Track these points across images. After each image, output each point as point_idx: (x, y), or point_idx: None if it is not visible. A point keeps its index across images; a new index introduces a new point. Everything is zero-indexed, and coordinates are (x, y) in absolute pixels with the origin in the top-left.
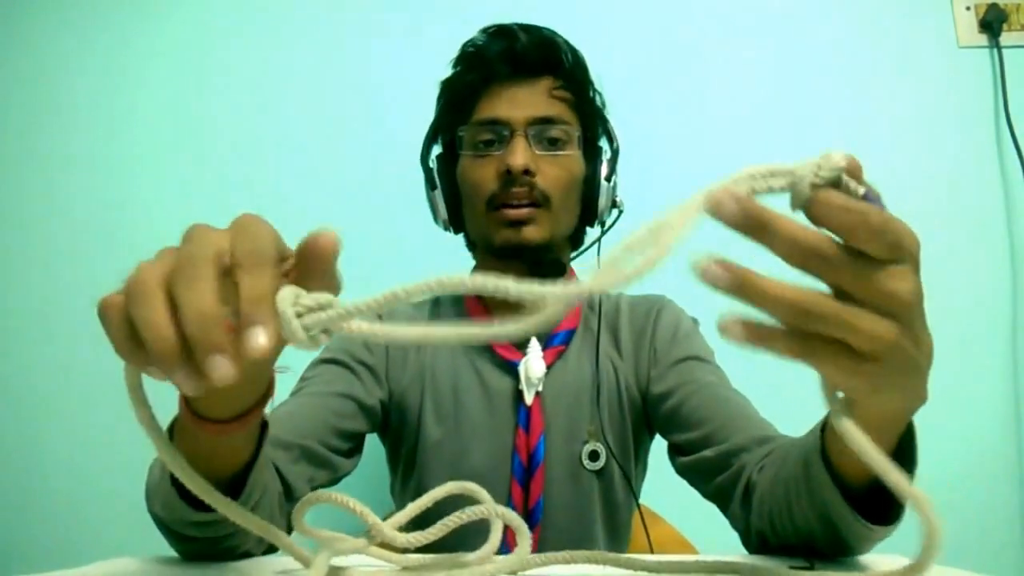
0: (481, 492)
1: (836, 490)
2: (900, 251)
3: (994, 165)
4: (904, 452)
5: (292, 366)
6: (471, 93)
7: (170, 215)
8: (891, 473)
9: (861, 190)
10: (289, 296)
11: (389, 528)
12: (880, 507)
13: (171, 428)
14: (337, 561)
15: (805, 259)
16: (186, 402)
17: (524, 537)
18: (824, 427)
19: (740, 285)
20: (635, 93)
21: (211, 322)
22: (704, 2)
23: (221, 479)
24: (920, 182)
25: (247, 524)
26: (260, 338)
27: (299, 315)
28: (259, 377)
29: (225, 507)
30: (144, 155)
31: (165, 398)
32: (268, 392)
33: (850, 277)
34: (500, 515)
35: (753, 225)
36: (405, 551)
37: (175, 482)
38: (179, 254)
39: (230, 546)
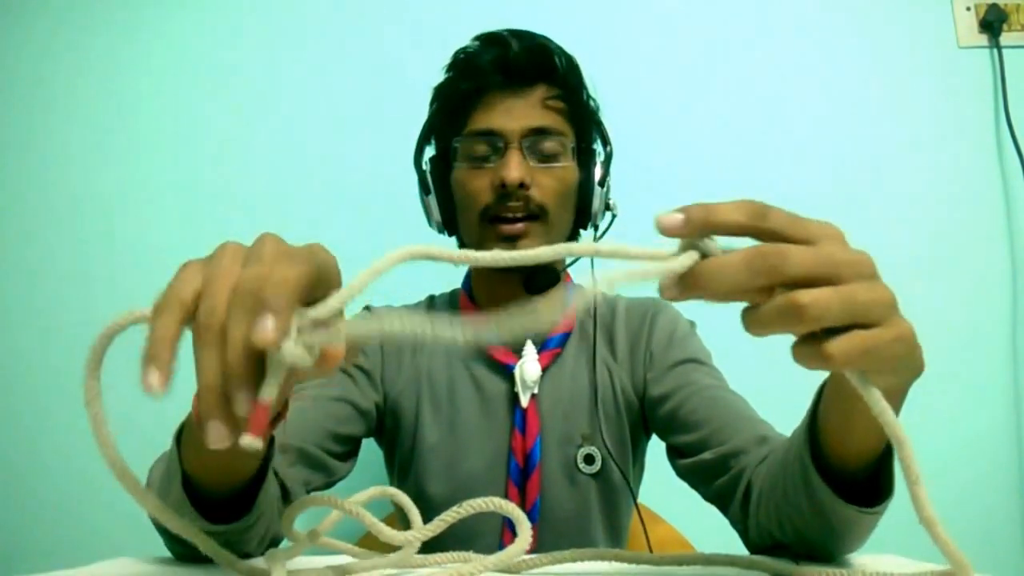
0: (515, 510)
1: (820, 478)
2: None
3: (994, 165)
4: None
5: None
6: (464, 102)
7: (170, 213)
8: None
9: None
10: (293, 331)
11: (386, 527)
12: (870, 495)
13: (179, 431)
14: (342, 560)
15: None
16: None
17: (524, 528)
18: (812, 418)
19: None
20: (629, 92)
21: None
22: (702, 2)
23: (229, 488)
24: (920, 182)
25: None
26: (244, 406)
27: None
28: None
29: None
30: (145, 154)
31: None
32: (282, 413)
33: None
34: (499, 507)
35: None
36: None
37: (188, 491)
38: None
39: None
